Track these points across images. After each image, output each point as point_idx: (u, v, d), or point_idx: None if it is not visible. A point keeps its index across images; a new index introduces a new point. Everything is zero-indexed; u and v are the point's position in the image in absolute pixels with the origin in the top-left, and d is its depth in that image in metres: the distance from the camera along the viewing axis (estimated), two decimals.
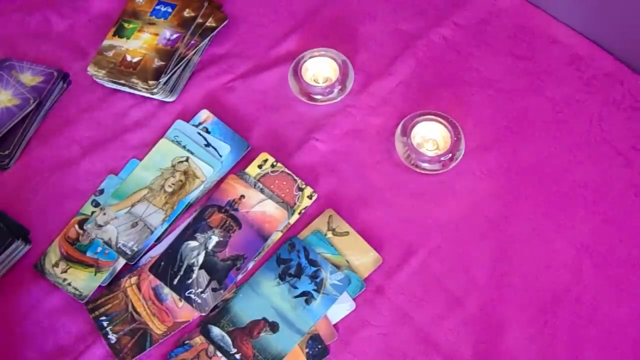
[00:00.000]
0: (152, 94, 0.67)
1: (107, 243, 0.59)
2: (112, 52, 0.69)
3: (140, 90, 0.67)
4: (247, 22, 0.74)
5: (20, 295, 0.57)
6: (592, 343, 0.53)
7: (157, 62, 0.67)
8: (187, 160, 0.62)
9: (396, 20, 0.73)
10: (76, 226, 0.60)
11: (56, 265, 0.58)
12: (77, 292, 0.56)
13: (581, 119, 0.65)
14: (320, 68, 0.68)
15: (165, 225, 0.60)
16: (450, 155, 0.61)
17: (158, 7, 0.72)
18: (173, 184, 0.61)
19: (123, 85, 0.67)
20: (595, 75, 0.67)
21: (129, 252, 0.58)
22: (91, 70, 0.68)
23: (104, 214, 0.60)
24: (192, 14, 0.71)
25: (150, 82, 0.66)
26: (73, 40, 0.73)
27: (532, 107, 0.66)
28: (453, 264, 0.57)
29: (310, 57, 0.68)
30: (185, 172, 0.61)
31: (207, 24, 0.71)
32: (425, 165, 0.61)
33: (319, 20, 0.74)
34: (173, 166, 0.62)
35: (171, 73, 0.67)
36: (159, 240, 0.59)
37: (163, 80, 0.66)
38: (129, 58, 0.68)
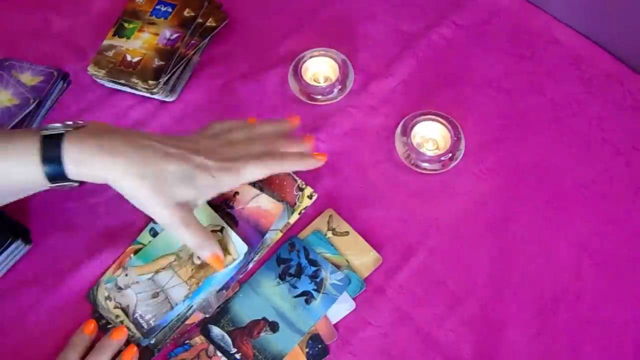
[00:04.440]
0: (152, 93, 0.67)
1: (125, 310, 0.54)
2: (112, 52, 0.69)
3: (140, 90, 0.67)
4: (247, 22, 0.74)
5: (20, 296, 0.57)
6: (592, 343, 0.53)
7: (157, 62, 0.67)
8: (221, 230, 0.55)
9: (396, 20, 0.73)
10: (132, 256, 0.56)
11: (109, 298, 0.54)
12: (130, 332, 0.53)
13: (581, 119, 0.65)
14: (320, 68, 0.68)
15: (187, 304, 0.53)
16: (450, 155, 0.61)
17: (158, 7, 0.72)
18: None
19: (123, 85, 0.67)
20: (595, 75, 0.67)
21: (145, 325, 0.53)
22: (91, 70, 0.68)
23: (126, 275, 0.55)
24: (192, 14, 0.71)
25: (150, 82, 0.66)
26: (73, 40, 0.73)
27: (532, 107, 0.66)
28: (453, 264, 0.57)
29: (310, 57, 0.68)
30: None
31: (207, 24, 0.71)
32: (425, 165, 0.61)
33: (319, 20, 0.74)
34: None
35: (171, 73, 0.67)
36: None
37: (163, 80, 0.66)
38: (129, 58, 0.68)
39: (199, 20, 0.71)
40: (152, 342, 0.53)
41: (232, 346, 0.53)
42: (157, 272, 0.55)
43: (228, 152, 0.52)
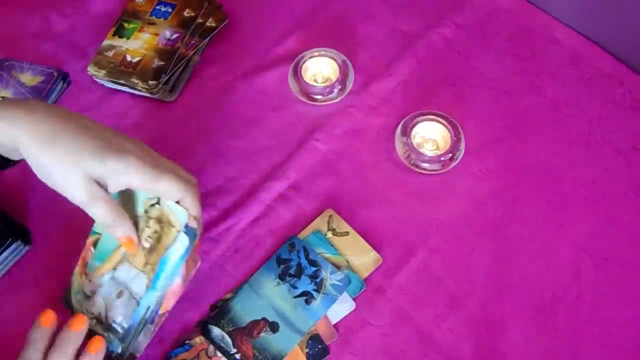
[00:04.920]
0: (152, 94, 0.67)
1: (99, 320, 0.49)
2: (112, 52, 0.69)
3: (140, 90, 0.67)
4: (247, 22, 0.74)
5: (20, 295, 0.57)
6: (592, 343, 0.53)
7: (157, 62, 0.67)
8: (158, 202, 0.48)
9: (396, 20, 0.73)
10: (92, 248, 0.52)
11: (81, 311, 0.50)
12: (108, 340, 0.48)
13: (581, 119, 0.65)
14: (320, 68, 0.68)
15: (152, 294, 0.48)
16: (450, 155, 0.61)
17: (158, 7, 0.72)
18: (150, 237, 0.48)
19: (123, 85, 0.67)
20: (595, 75, 0.67)
21: (120, 330, 0.48)
22: (91, 70, 0.68)
23: (90, 280, 0.50)
24: (192, 14, 0.71)
25: (150, 82, 0.66)
26: (73, 40, 0.73)
27: (532, 107, 0.66)
28: (453, 264, 0.57)
29: (310, 57, 0.68)
30: (159, 220, 0.48)
31: (207, 24, 0.71)
32: (425, 165, 0.61)
33: (319, 20, 0.74)
34: (146, 212, 0.49)
35: (171, 73, 0.67)
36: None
37: (163, 80, 0.66)
38: (129, 58, 0.68)
39: (199, 20, 0.71)
40: (127, 345, 0.49)
41: (232, 346, 0.53)
42: (114, 268, 0.50)
43: (151, 155, 0.47)
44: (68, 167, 0.43)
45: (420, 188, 0.61)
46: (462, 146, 0.62)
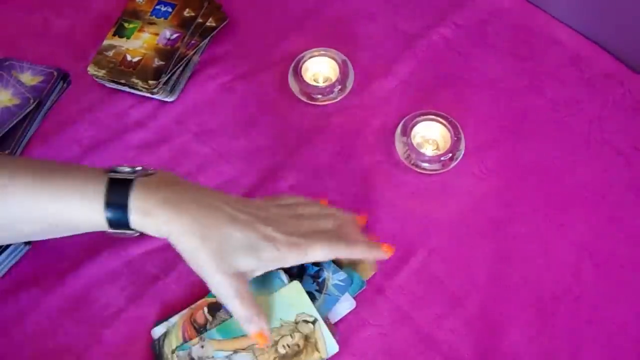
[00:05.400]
0: (152, 93, 0.67)
1: None
2: (112, 52, 0.69)
3: (140, 90, 0.67)
4: (247, 22, 0.74)
5: (20, 295, 0.57)
6: (592, 343, 0.53)
7: (157, 62, 0.67)
8: (314, 322, 0.50)
9: (396, 20, 0.73)
10: (205, 309, 0.52)
11: (174, 352, 0.50)
12: None
13: (581, 119, 0.65)
14: (320, 68, 0.68)
15: None
16: (450, 155, 0.61)
17: (158, 7, 0.72)
18: (288, 346, 0.49)
19: (123, 85, 0.67)
20: (595, 76, 0.67)
21: None
22: (91, 70, 0.68)
23: (202, 346, 0.50)
24: (192, 14, 0.71)
25: (150, 82, 0.66)
26: (73, 40, 0.73)
27: (532, 107, 0.66)
28: (453, 264, 0.57)
29: (310, 57, 0.68)
30: (306, 338, 0.49)
31: (207, 24, 0.71)
32: (425, 165, 0.61)
33: (319, 20, 0.74)
34: (296, 323, 0.50)
35: (171, 73, 0.67)
36: None
37: (163, 80, 0.66)
38: (129, 58, 0.68)
39: (199, 20, 0.71)
40: None
41: None
42: (235, 351, 0.49)
43: (297, 225, 0.50)
44: (220, 264, 0.45)
45: (420, 188, 0.61)
46: (462, 146, 0.62)
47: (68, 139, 0.66)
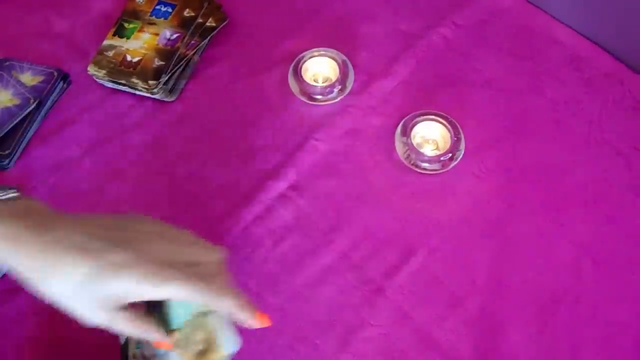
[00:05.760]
0: (152, 94, 0.67)
1: None
2: (112, 52, 0.69)
3: (140, 90, 0.67)
4: (247, 22, 0.74)
5: (20, 296, 0.57)
6: (592, 343, 0.53)
7: (157, 62, 0.67)
8: (207, 316, 0.45)
9: (396, 20, 0.73)
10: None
11: (134, 357, 0.49)
12: None
13: (581, 119, 0.65)
14: (320, 68, 0.68)
15: None
16: (450, 155, 0.61)
17: (158, 7, 0.72)
18: (199, 342, 0.45)
19: (123, 85, 0.67)
20: (595, 75, 0.67)
21: None
22: (91, 70, 0.68)
23: (149, 345, 0.48)
24: (192, 14, 0.71)
25: (150, 82, 0.66)
26: (73, 40, 0.73)
27: (532, 107, 0.66)
28: (453, 264, 0.57)
29: (310, 57, 0.68)
30: (206, 341, 0.45)
31: (207, 24, 0.71)
32: (425, 165, 0.61)
33: (319, 20, 0.74)
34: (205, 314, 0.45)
35: (171, 73, 0.67)
36: None
37: (163, 80, 0.66)
38: (129, 58, 0.68)
39: (199, 20, 0.71)
40: None
41: None
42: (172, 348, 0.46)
43: (161, 250, 0.41)
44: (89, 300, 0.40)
45: (420, 188, 0.61)
46: (462, 146, 0.62)
47: (68, 139, 0.66)
